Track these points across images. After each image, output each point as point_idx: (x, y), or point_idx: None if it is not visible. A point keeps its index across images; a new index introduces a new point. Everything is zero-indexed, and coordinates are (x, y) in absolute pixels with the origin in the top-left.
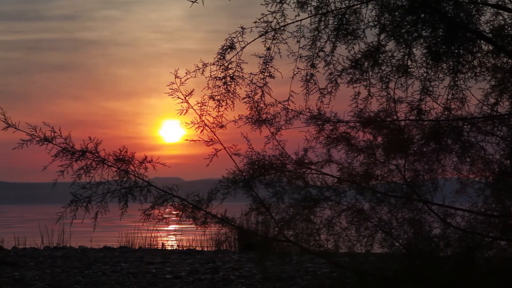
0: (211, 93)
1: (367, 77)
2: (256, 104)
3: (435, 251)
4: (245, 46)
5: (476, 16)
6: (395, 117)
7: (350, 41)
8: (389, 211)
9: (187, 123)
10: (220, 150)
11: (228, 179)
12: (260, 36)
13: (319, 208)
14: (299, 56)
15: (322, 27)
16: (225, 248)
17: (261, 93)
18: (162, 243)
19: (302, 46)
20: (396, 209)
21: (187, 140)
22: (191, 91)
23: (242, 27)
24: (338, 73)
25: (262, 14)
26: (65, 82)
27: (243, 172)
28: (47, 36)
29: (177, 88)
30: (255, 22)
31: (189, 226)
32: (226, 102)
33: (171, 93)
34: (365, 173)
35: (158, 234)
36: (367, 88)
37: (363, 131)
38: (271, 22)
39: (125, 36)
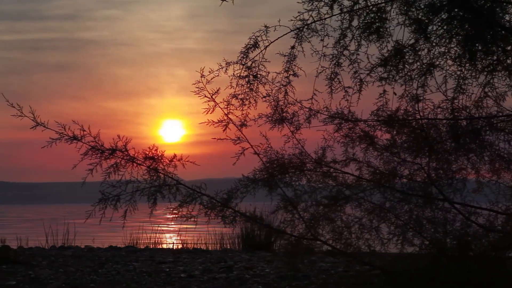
0: (234, 92)
1: (396, 76)
2: (276, 103)
3: (462, 250)
4: (269, 44)
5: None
6: (418, 116)
7: (380, 40)
8: (414, 210)
9: (213, 121)
10: (247, 149)
11: (248, 177)
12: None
13: (349, 206)
14: (322, 54)
15: (347, 25)
16: (229, 247)
17: (284, 92)
18: (173, 243)
19: (325, 45)
20: (421, 209)
21: (214, 138)
22: (217, 90)
23: (266, 26)
24: (368, 71)
25: (298, 13)
26: (65, 82)
27: (267, 171)
28: (47, 36)
29: (204, 86)
30: (291, 20)
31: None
32: (249, 101)
33: (197, 92)
34: (392, 172)
35: (157, 233)
36: (392, 87)
37: (388, 130)
38: (307, 20)
39: (125, 36)
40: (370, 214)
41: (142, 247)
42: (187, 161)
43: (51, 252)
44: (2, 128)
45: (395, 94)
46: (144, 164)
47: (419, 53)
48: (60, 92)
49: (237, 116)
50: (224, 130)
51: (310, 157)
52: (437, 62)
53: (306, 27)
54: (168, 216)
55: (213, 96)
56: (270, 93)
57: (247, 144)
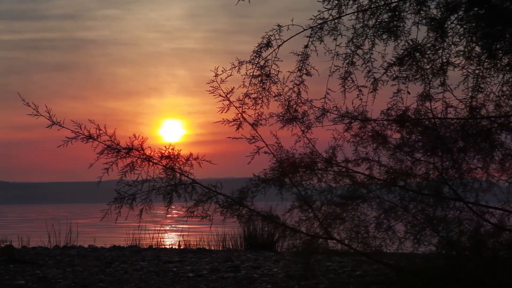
0: (247, 91)
1: (410, 75)
2: (288, 102)
3: (477, 249)
4: (282, 43)
5: None
6: (430, 115)
7: (397, 39)
8: (426, 209)
9: (228, 120)
10: (262, 148)
11: (259, 177)
12: (304, 30)
13: (365, 206)
14: (336, 54)
15: (362, 24)
16: (231, 247)
17: (297, 91)
18: (178, 242)
19: (338, 44)
20: (435, 208)
21: (229, 137)
22: (232, 89)
23: (279, 25)
24: (384, 70)
25: (318, 11)
26: (65, 82)
27: (278, 170)
28: (47, 36)
29: (218, 85)
30: (311, 19)
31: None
32: (262, 100)
33: (212, 91)
34: (405, 171)
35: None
36: (406, 86)
37: (400, 129)
38: (327, 18)
39: (125, 36)
40: (386, 213)
41: (145, 247)
42: (203, 160)
43: (55, 251)
44: (2, 128)
45: (409, 93)
46: (160, 163)
47: (435, 52)
48: (60, 92)
49: (249, 116)
50: (237, 129)
51: (321, 156)
52: (455, 61)
53: (322, 25)
54: (168, 216)
55: (228, 95)
56: (281, 93)
57: (261, 143)
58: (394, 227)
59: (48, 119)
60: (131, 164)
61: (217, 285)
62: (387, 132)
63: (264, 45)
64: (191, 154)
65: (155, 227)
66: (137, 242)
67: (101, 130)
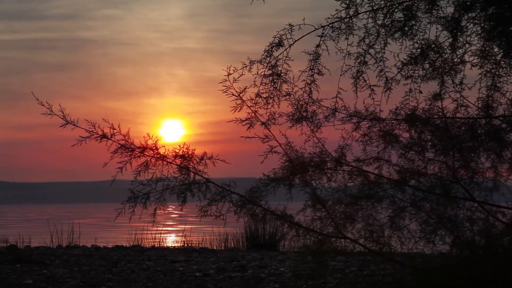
0: (258, 90)
1: (423, 74)
2: (297, 101)
3: (490, 248)
4: (293, 43)
5: None
6: (441, 114)
7: (412, 38)
8: (437, 209)
9: (241, 119)
10: (275, 147)
11: (269, 176)
12: (316, 29)
13: (380, 205)
14: (347, 53)
15: (371, 23)
16: (233, 246)
17: (308, 90)
18: (184, 241)
19: (350, 43)
20: (448, 207)
21: (242, 137)
22: (244, 88)
23: (290, 24)
24: (398, 69)
25: (336, 10)
26: (65, 82)
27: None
28: (47, 36)
29: (230, 85)
30: (328, 18)
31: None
32: (273, 100)
33: (224, 90)
34: (416, 171)
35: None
36: (418, 85)
37: (412, 129)
38: (345, 17)
39: (125, 36)
40: (400, 212)
41: (148, 246)
42: (217, 159)
43: (59, 251)
44: (2, 128)
45: (421, 93)
46: (174, 162)
47: (452, 50)
48: (60, 92)
49: (260, 115)
50: (248, 129)
51: (331, 155)
52: (471, 60)
53: (334, 24)
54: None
55: (241, 95)
56: (291, 92)
57: (274, 142)
58: (409, 226)
59: (62, 118)
60: (145, 163)
61: (225, 284)
62: (398, 132)
63: (275, 44)
64: (205, 153)
65: (157, 227)
66: (140, 242)
67: (115, 129)
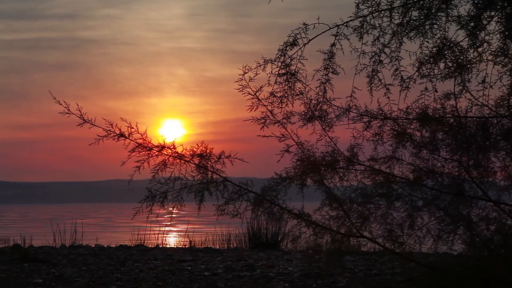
0: (272, 89)
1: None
2: (309, 101)
3: (509, 249)
4: (308, 42)
5: None
6: (456, 114)
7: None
8: (456, 208)
9: (258, 118)
10: (292, 146)
11: (281, 175)
12: (330, 28)
13: (397, 204)
14: (362, 52)
15: (387, 22)
16: (235, 246)
17: (323, 89)
18: (190, 241)
19: (365, 42)
20: (464, 207)
21: (259, 136)
22: (260, 87)
23: (305, 24)
24: (416, 67)
25: (357, 9)
26: (65, 81)
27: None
28: (47, 35)
29: (247, 84)
30: (350, 17)
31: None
32: (287, 99)
33: (240, 89)
34: (432, 170)
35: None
36: (434, 84)
37: (427, 128)
38: (367, 15)
39: (125, 35)
40: (418, 211)
41: (151, 246)
42: (235, 158)
43: (63, 251)
44: (2, 128)
45: (436, 91)
46: (192, 161)
47: (474, 49)
48: (60, 92)
49: (274, 114)
50: (261, 128)
51: (343, 155)
52: (490, 58)
53: (347, 24)
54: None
55: (257, 94)
56: (303, 91)
57: (290, 141)
58: (427, 225)
59: (79, 117)
60: (163, 162)
61: (234, 283)
62: (410, 131)
63: (289, 43)
64: (223, 152)
65: (160, 227)
66: (142, 242)
67: (132, 128)
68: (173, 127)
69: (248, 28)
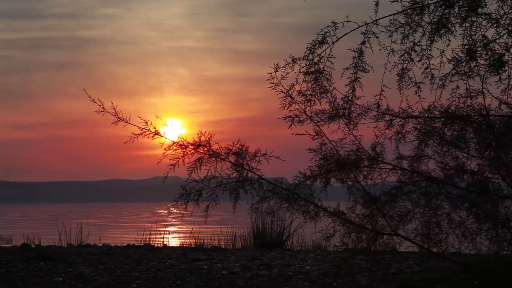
0: (300, 88)
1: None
2: (334, 99)
3: None
4: (337, 40)
5: None
6: (484, 112)
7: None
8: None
9: (291, 117)
10: (325, 144)
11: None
12: (359, 26)
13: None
14: (391, 50)
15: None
16: (240, 245)
17: (352, 88)
18: (203, 240)
19: (394, 41)
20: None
21: (292, 134)
22: (292, 85)
23: (333, 22)
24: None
25: (403, 6)
26: (65, 81)
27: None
28: (47, 35)
29: (278, 82)
30: (394, 14)
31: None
32: (315, 97)
33: (273, 87)
34: (461, 168)
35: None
36: (465, 82)
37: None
38: (407, 9)
39: (125, 35)
40: (456, 209)
41: (158, 245)
42: (270, 156)
43: (72, 250)
44: (2, 128)
45: (467, 90)
46: (227, 159)
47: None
48: (61, 91)
49: (302, 113)
50: (289, 127)
51: (367, 153)
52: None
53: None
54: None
55: (289, 92)
56: (329, 90)
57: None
58: (467, 224)
59: (113, 115)
60: (199, 160)
61: (254, 282)
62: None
63: (318, 42)
64: (258, 150)
65: (163, 226)
66: (149, 241)
67: (166, 126)
68: (174, 126)
69: (248, 27)
